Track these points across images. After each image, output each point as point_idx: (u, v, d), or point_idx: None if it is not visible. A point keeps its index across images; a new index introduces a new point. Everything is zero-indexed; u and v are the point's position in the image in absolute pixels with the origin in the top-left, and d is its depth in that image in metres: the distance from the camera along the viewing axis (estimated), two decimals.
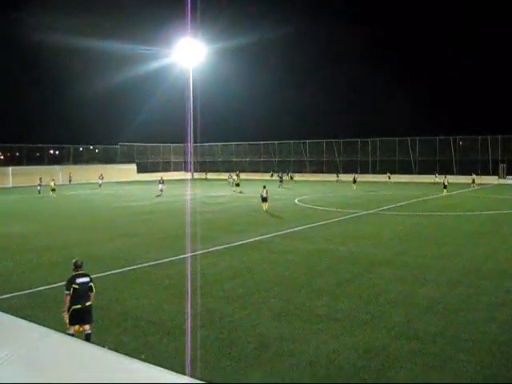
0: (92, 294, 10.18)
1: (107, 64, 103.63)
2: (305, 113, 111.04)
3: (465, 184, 62.63)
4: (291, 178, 62.82)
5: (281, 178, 63.71)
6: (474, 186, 59.44)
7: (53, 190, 50.81)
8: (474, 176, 62.37)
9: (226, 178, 71.00)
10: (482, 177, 70.43)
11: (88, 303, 10.01)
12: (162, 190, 50.43)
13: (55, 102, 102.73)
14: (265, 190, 35.72)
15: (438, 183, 65.13)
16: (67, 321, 9.90)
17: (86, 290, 10.00)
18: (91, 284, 10.14)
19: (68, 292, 9.92)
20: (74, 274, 10.14)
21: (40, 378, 5.35)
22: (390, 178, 71.98)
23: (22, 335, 6.45)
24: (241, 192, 51.93)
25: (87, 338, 9.72)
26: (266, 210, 34.85)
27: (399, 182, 70.70)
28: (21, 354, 5.71)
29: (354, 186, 58.99)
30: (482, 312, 12.33)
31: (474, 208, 36.52)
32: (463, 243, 21.89)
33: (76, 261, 10.34)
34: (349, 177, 72.10)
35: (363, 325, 11.51)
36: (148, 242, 22.66)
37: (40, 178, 56.14)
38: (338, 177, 76.87)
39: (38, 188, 53.76)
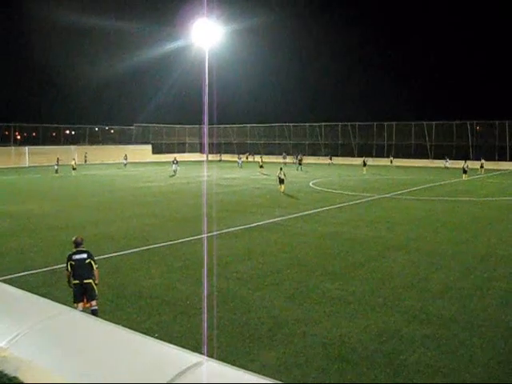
0: (94, 272, 10.30)
1: (124, 45, 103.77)
2: (321, 95, 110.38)
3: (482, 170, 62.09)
4: (299, 162, 62.17)
5: (300, 160, 63.25)
6: (481, 172, 57.43)
7: (74, 169, 52.64)
8: (482, 161, 60.76)
9: (236, 159, 71.65)
10: (500, 162, 69.77)
11: (87, 280, 10.12)
12: (175, 171, 51.93)
13: (72, 82, 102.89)
14: (282, 172, 36.20)
15: (447, 168, 65.65)
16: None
17: (83, 266, 10.13)
18: (89, 260, 10.23)
19: (66, 268, 10.26)
20: (73, 251, 10.35)
21: (55, 354, 5.42)
22: (391, 161, 71.79)
23: (39, 311, 6.54)
24: (266, 174, 51.58)
25: (93, 314, 9.87)
26: (283, 192, 35.09)
27: (414, 167, 70.20)
28: (36, 330, 5.79)
29: (364, 170, 58.94)
30: (495, 298, 12.28)
31: (491, 194, 36.21)
32: (478, 229, 21.75)
33: (76, 238, 10.54)
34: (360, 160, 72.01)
35: (376, 308, 11.52)
36: (163, 223, 22.78)
37: (57, 158, 57.17)
38: (331, 160, 76.41)
39: (56, 168, 54.52)
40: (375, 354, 9.05)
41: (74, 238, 10.66)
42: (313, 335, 9.92)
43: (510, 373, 8.38)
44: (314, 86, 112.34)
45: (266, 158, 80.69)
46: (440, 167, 68.35)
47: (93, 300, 10.23)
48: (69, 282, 10.30)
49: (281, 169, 37.09)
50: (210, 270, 14.70)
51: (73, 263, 10.15)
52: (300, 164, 62.39)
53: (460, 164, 55.46)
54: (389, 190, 37.20)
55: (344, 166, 72.30)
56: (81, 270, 10.13)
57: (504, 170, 65.34)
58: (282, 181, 36.04)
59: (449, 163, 68.28)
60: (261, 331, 10.13)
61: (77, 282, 10.13)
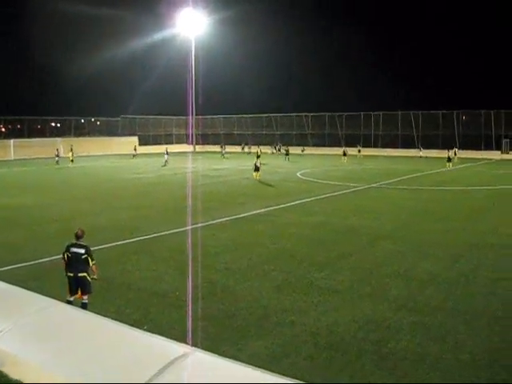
0: (90, 267, 10.26)
1: (109, 35, 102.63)
2: (308, 86, 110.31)
3: (467, 159, 62.45)
4: (279, 150, 62.51)
5: (287, 151, 63.59)
6: (449, 160, 53.46)
7: (71, 160, 53.58)
8: (455, 149, 60.09)
9: (220, 149, 72.26)
10: (485, 151, 70.23)
11: (81, 274, 10.11)
12: (167, 161, 54.05)
13: (56, 73, 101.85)
14: (258, 160, 38.15)
15: (421, 157, 67.54)
16: None
17: (78, 260, 10.12)
18: (86, 256, 10.19)
19: (62, 257, 10.31)
20: (72, 243, 10.35)
21: (43, 346, 5.41)
22: (359, 151, 71.77)
23: (26, 305, 6.52)
24: (263, 164, 51.59)
25: (83, 307, 9.86)
26: (258, 180, 36.17)
27: (401, 156, 70.49)
28: (25, 324, 5.77)
29: (345, 160, 59.38)
30: (482, 286, 12.40)
31: (477, 183, 36.47)
32: (465, 218, 21.90)
33: (77, 231, 10.48)
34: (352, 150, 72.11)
35: (364, 297, 11.59)
36: (150, 214, 22.73)
37: (57, 149, 57.43)
38: (302, 151, 75.87)
39: (56, 159, 54.79)
40: (363, 343, 9.11)
41: (76, 231, 10.56)
42: (301, 324, 9.97)
43: (495, 359, 8.47)
44: (301, 76, 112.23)
45: (254, 149, 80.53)
46: (428, 157, 68.63)
47: (85, 294, 10.22)
48: (65, 272, 10.30)
49: (257, 157, 38.70)
50: (197, 261, 14.69)
51: (69, 255, 10.17)
52: (287, 155, 62.57)
53: (445, 154, 55.70)
54: (375, 180, 37.33)
55: (331, 156, 72.22)
56: (76, 263, 10.13)
57: (489, 159, 65.78)
58: (257, 168, 37.42)
59: (422, 152, 69.89)
60: (249, 321, 10.16)
61: (71, 274, 10.13)
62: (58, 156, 55.28)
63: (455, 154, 58.64)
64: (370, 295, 11.73)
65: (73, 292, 10.15)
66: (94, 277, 10.38)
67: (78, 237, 10.39)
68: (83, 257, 10.15)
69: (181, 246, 16.66)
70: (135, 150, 71.13)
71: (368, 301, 11.34)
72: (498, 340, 9.25)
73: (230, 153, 75.66)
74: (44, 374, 4.37)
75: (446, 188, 33.23)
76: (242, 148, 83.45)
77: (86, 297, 10.23)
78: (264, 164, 46.42)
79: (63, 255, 10.29)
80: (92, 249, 14.47)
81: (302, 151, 75.26)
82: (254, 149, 66.65)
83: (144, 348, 5.01)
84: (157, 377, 4.34)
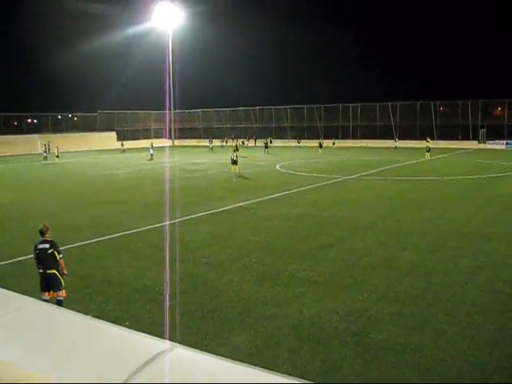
0: (58, 262, 10.16)
1: (85, 30, 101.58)
2: (286, 78, 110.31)
3: (445, 149, 63.00)
4: (266, 145, 62.94)
5: (266, 144, 63.83)
6: (425, 151, 52.70)
7: (57, 156, 54.75)
8: (428, 139, 58.45)
9: (207, 143, 72.11)
10: (463, 141, 70.97)
11: (50, 270, 10.03)
12: (152, 155, 55.17)
13: (32, 69, 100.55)
14: (235, 154, 37.89)
15: (396, 148, 68.51)
16: None
17: (46, 256, 10.07)
18: (52, 251, 10.12)
19: (34, 257, 10.30)
20: (39, 240, 10.31)
21: (18, 345, 5.32)
22: (334, 143, 72.39)
23: (1, 304, 6.39)
24: (243, 157, 51.79)
25: (58, 304, 9.71)
26: (237, 173, 36.24)
27: (380, 147, 70.91)
28: (0, 323, 5.67)
29: (321, 151, 60.03)
30: (461, 275, 12.52)
31: (455, 173, 36.81)
32: (444, 207, 22.10)
33: (41, 228, 10.43)
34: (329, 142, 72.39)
35: (345, 288, 11.63)
36: (130, 210, 22.57)
37: (45, 145, 59.16)
38: (299, 143, 76.89)
39: (45, 155, 55.96)
40: (345, 333, 9.15)
41: (39, 228, 10.52)
42: (283, 317, 9.97)
43: (474, 347, 8.56)
44: (279, 68, 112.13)
45: (232, 142, 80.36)
46: (406, 147, 69.10)
47: (58, 290, 10.10)
48: (37, 270, 10.24)
49: (234, 151, 38.73)
50: (178, 255, 14.64)
51: (37, 252, 10.15)
52: (267, 147, 62.75)
53: (421, 144, 56.08)
54: (355, 171, 37.49)
55: (310, 148, 72.36)
56: (44, 260, 10.06)
57: (467, 148, 66.47)
58: (234, 162, 37.31)
59: (397, 143, 70.81)
60: (231, 315, 10.15)
61: (41, 271, 10.08)
62: (46, 152, 56.41)
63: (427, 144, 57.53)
64: (350, 286, 11.78)
65: (44, 289, 10.04)
66: (64, 272, 10.26)
67: (42, 233, 10.33)
68: (49, 252, 10.08)
69: (161, 241, 16.58)
70: (122, 145, 71.94)
71: (349, 292, 11.39)
72: (477, 327, 9.35)
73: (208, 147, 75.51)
74: (20, 373, 4.28)
75: (424, 178, 33.50)
76: (225, 142, 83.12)
77: (60, 293, 10.09)
78: (243, 157, 46.45)
79: (34, 254, 10.28)
80: (71, 246, 14.40)
81: (299, 142, 75.18)
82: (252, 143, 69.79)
83: (124, 344, 4.93)
84: (137, 373, 4.27)
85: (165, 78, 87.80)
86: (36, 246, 10.23)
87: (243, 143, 75.27)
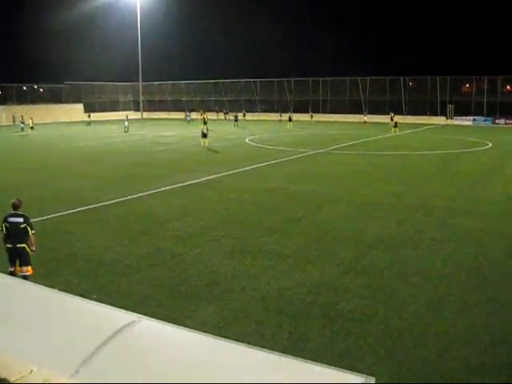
0: (29, 237, 9.95)
1: None
2: (256, 51, 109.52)
3: (413, 124, 63.59)
4: (235, 118, 63.13)
5: (235, 117, 63.76)
6: (393, 127, 52.40)
7: (31, 127, 54.36)
8: (391, 114, 58.70)
9: (183, 116, 73.87)
10: (431, 117, 71.69)
11: (20, 245, 9.82)
12: (126, 127, 55.56)
13: None
14: (205, 127, 38.52)
15: (366, 122, 69.08)
16: None
17: (17, 230, 9.82)
18: (25, 225, 9.87)
19: (1, 229, 9.94)
20: (10, 213, 10.01)
21: None
22: (312, 117, 72.35)
23: None
24: (211, 130, 51.82)
25: (26, 278, 9.50)
26: (206, 146, 36.32)
27: (349, 122, 71.22)
28: None
29: (290, 125, 60.18)
30: (427, 248, 12.75)
31: (422, 148, 37.24)
32: (410, 182, 22.38)
33: (14, 201, 10.16)
34: (301, 116, 72.37)
35: (313, 261, 11.74)
36: (98, 183, 22.30)
37: (22, 116, 58.86)
38: (312, 117, 74.22)
39: (22, 126, 56.51)
40: (312, 306, 9.26)
41: (12, 201, 10.22)
42: (251, 290, 10.03)
43: (437, 317, 8.77)
44: (249, 41, 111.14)
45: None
46: (375, 122, 69.53)
47: (25, 266, 9.89)
48: (4, 243, 9.93)
49: (204, 123, 39.46)
50: (146, 229, 14.57)
51: (7, 225, 9.82)
52: (236, 120, 62.83)
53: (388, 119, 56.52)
54: (324, 145, 37.63)
55: (280, 122, 72.28)
56: (15, 233, 9.79)
57: (435, 124, 67.22)
58: (204, 135, 37.56)
59: (367, 118, 71.31)
60: (199, 288, 10.17)
61: (10, 245, 9.81)
62: (23, 123, 56.54)
63: (392, 120, 57.38)
64: (318, 259, 11.90)
65: (13, 263, 9.85)
66: (33, 248, 10.06)
67: (15, 206, 10.07)
68: (22, 226, 9.83)
69: (129, 214, 16.46)
70: (89, 117, 70.95)
71: (317, 264, 11.50)
72: (441, 299, 9.56)
73: (178, 119, 74.96)
74: None
75: (392, 153, 33.82)
76: (224, 116, 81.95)
77: (26, 268, 9.87)
78: (212, 130, 46.23)
79: (1, 227, 9.92)
80: (37, 219, 14.19)
81: (311, 117, 73.47)
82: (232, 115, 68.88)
83: (91, 317, 4.92)
84: (104, 345, 4.27)
85: (133, 49, 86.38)
86: (6, 218, 9.90)
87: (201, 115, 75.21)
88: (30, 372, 3.64)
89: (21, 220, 9.87)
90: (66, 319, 5.09)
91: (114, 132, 53.56)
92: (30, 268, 9.94)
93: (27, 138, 48.55)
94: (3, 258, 10.10)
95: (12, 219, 9.86)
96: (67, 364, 4.10)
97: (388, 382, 6.86)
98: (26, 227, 9.88)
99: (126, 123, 56.47)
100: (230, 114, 77.97)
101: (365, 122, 69.67)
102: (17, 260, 9.88)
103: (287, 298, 9.61)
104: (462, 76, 71.76)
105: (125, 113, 69.45)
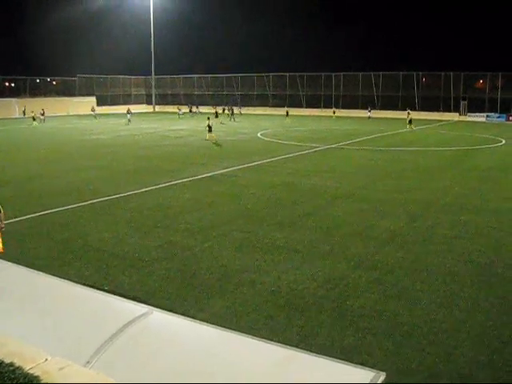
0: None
1: None
2: (269, 45, 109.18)
3: (426, 120, 63.20)
4: (232, 112, 64.22)
5: (232, 111, 65.13)
6: (408, 123, 51.74)
7: (42, 120, 57.55)
8: (408, 110, 56.88)
9: (176, 110, 73.95)
10: (444, 113, 71.21)
11: None
12: (129, 120, 57.13)
13: (10, 32, 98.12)
14: (211, 121, 38.67)
15: (370, 118, 68.30)
16: None
17: None
18: None
19: None
20: None
21: None
22: (334, 112, 71.88)
23: None
24: (222, 123, 52.43)
25: None
26: (211, 140, 36.61)
27: (362, 117, 70.89)
28: None
29: (288, 120, 59.88)
30: (438, 244, 12.69)
31: (435, 144, 37.04)
32: (423, 178, 22.28)
33: None
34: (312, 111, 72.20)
35: (323, 256, 11.74)
36: (111, 175, 22.42)
37: (42, 109, 60.98)
38: (369, 111, 72.25)
39: (42, 118, 59.01)
40: (322, 300, 9.27)
41: None
42: (261, 283, 10.06)
43: (448, 314, 8.75)
44: (262, 36, 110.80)
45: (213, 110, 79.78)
46: (388, 118, 69.22)
47: None
48: None
49: (208, 118, 39.25)
50: (158, 222, 14.64)
51: None
52: (232, 114, 64.06)
53: (403, 115, 56.12)
54: (336, 141, 37.54)
55: (292, 116, 72.21)
56: None
57: (448, 120, 66.81)
58: (210, 129, 37.85)
59: (371, 113, 70.33)
60: (210, 281, 10.21)
61: None
62: (35, 116, 57.60)
63: (408, 115, 55.19)
64: (329, 254, 11.90)
65: None
66: (2, 225, 10.27)
67: None
68: None
69: (141, 207, 16.54)
70: (93, 110, 70.04)
71: (327, 259, 11.51)
72: (452, 296, 9.54)
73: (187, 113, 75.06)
74: None
75: (404, 149, 33.66)
76: (223, 110, 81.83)
77: None
78: (223, 124, 46.25)
79: None
80: (50, 211, 14.38)
81: (334, 113, 72.64)
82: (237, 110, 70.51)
83: (103, 308, 4.96)
84: (115, 337, 4.31)
85: (146, 43, 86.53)
86: None
87: (191, 110, 75.89)
88: (45, 360, 3.67)
89: None
90: (78, 309, 5.13)
91: (125, 125, 53.83)
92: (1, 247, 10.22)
93: (39, 131, 48.80)
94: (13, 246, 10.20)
95: None
96: (80, 353, 4.14)
97: (397, 378, 6.86)
98: None
99: (128, 116, 58.30)
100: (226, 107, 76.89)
101: (369, 117, 68.91)
102: None
103: (297, 293, 9.62)
104: (475, 72, 71.21)
105: (126, 106, 69.90)
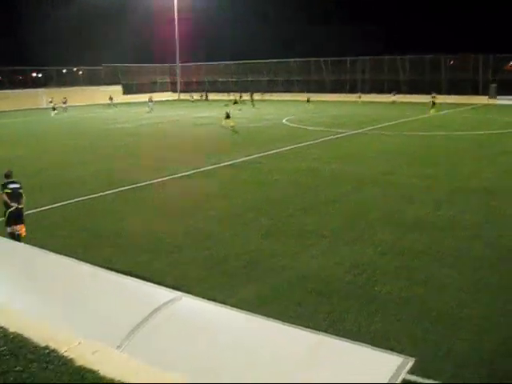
0: (23, 200, 11.31)
1: None
2: (293, 31, 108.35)
3: (454, 104, 62.24)
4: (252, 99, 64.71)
5: (252, 96, 66.71)
6: (431, 107, 50.68)
7: (65, 109, 57.59)
8: (433, 94, 54.88)
9: (189, 98, 77.40)
10: (472, 96, 69.97)
11: (21, 205, 11.28)
12: (151, 109, 56.91)
13: (35, 22, 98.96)
14: (228, 109, 39.76)
15: (395, 102, 67.20)
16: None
17: (18, 194, 11.27)
18: (21, 191, 11.33)
19: (2, 192, 11.23)
20: (6, 181, 11.36)
21: (29, 296, 5.45)
22: (360, 97, 71.06)
23: (11, 256, 6.52)
24: (239, 110, 52.17)
25: (18, 238, 10.96)
26: (230, 127, 36.21)
27: (387, 102, 70.06)
28: (8, 272, 5.80)
29: (310, 105, 59.41)
30: (466, 230, 12.58)
31: (463, 128, 36.50)
32: (450, 163, 22.01)
33: (6, 172, 11.57)
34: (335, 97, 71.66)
35: (350, 241, 11.74)
36: (138, 164, 22.60)
37: (65, 98, 61.48)
38: (394, 95, 71.14)
39: (64, 106, 58.87)
40: (349, 286, 9.29)
41: (4, 172, 11.55)
42: (289, 269, 10.11)
43: (477, 300, 8.69)
44: (286, 21, 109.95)
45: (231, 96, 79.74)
46: (413, 102, 68.31)
47: (22, 223, 11.23)
48: (6, 205, 11.11)
49: (226, 105, 40.79)
50: (185, 209, 14.76)
51: (9, 191, 11.16)
52: (252, 101, 64.59)
53: (427, 99, 55.29)
54: (361, 126, 37.21)
55: (316, 102, 71.66)
56: (17, 197, 11.21)
57: (476, 104, 65.68)
58: (228, 116, 37.50)
59: (396, 97, 69.11)
60: (238, 267, 10.29)
61: (14, 207, 11.05)
62: (64, 104, 59.22)
63: (433, 99, 53.82)
64: (356, 240, 11.88)
65: (11, 223, 11.08)
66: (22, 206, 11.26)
67: (8, 176, 11.49)
68: (20, 190, 11.33)
69: (169, 194, 16.71)
70: (111, 99, 68.52)
71: (354, 245, 11.50)
72: (480, 281, 9.47)
73: (217, 100, 75.01)
74: (30, 321, 4.41)
75: (431, 133, 33.22)
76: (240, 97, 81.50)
77: (18, 227, 11.13)
78: (240, 111, 46.42)
79: (5, 192, 11.14)
80: (79, 199, 14.71)
81: (359, 97, 71.78)
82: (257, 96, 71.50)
83: (133, 294, 5.06)
84: (145, 321, 4.39)
85: (170, 31, 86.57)
86: (7, 185, 11.24)
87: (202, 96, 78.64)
88: (78, 344, 3.78)
89: (19, 185, 11.36)
90: (110, 295, 5.24)
91: (146, 113, 54.02)
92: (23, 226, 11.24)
93: (66, 120, 49.25)
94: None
95: (13, 185, 11.29)
96: (112, 337, 4.23)
97: (425, 365, 6.84)
98: (21, 192, 11.33)
99: (150, 104, 58.09)
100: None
101: (393, 101, 68.05)
102: (17, 219, 11.14)
103: (325, 278, 9.65)
104: (505, 54, 69.73)
105: (148, 95, 69.12)
